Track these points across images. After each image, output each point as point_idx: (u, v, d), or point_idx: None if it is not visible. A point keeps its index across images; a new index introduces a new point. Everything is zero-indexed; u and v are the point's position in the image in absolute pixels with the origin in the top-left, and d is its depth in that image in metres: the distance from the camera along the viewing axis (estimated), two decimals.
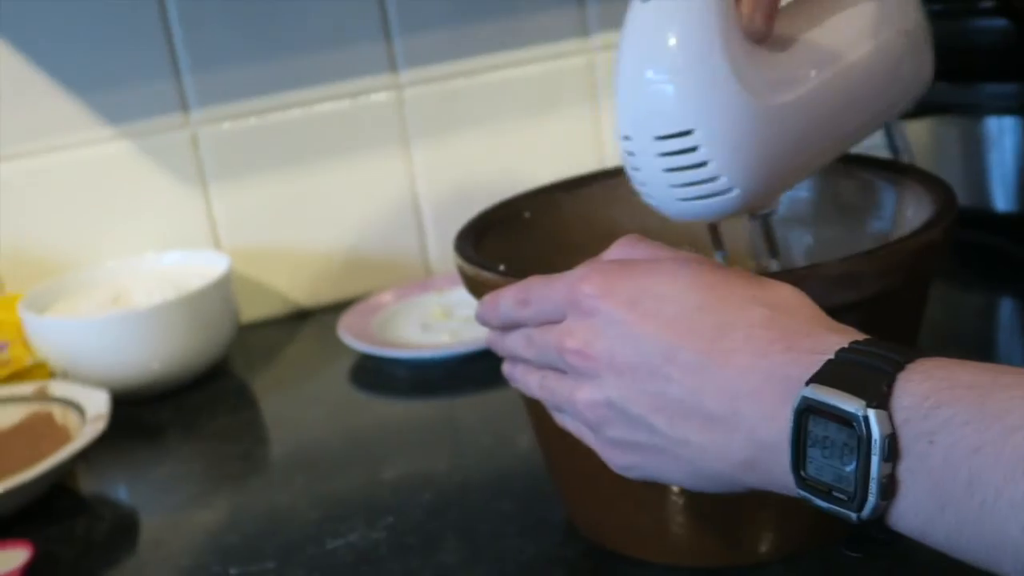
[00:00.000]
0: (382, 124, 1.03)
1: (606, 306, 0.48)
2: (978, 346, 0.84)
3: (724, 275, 0.48)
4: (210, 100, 0.99)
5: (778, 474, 0.44)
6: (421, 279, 1.05)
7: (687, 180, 0.55)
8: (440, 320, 0.95)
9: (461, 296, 0.97)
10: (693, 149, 0.54)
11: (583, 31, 1.06)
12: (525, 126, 1.06)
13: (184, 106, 0.99)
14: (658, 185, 0.56)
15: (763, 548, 0.59)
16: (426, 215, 1.06)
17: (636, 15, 0.55)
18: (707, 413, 0.45)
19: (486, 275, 0.58)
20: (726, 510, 0.58)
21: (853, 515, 0.41)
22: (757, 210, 0.59)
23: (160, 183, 1.00)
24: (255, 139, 1.01)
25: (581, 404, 0.49)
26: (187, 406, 0.88)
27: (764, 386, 0.43)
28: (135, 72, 0.97)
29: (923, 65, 0.62)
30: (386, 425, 0.82)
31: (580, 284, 0.49)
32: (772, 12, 0.54)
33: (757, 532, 0.59)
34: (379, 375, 0.89)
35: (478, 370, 0.87)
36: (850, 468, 0.40)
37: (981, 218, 0.94)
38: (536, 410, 0.62)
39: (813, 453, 0.42)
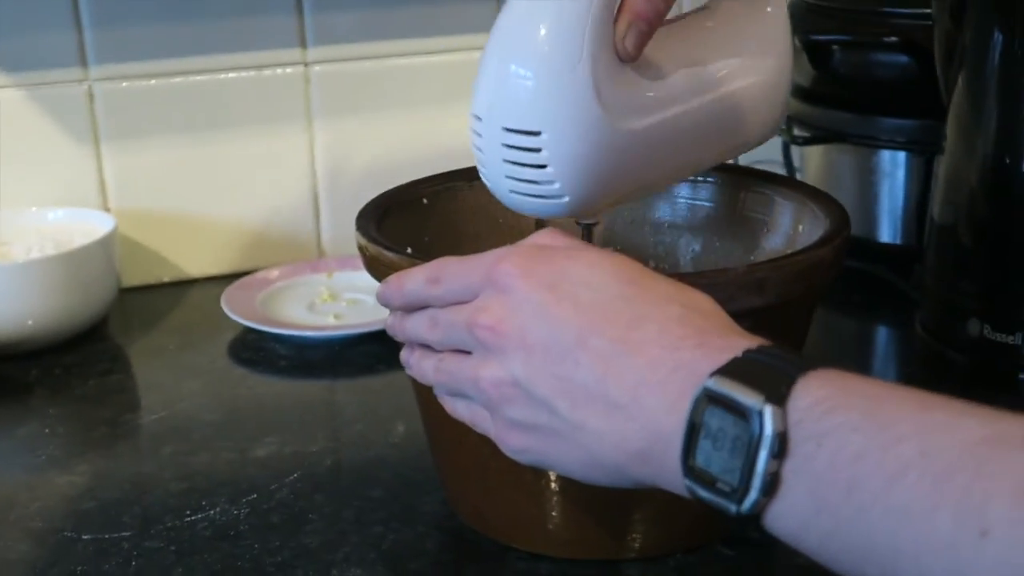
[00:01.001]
0: (287, 99, 1.02)
1: (524, 285, 0.48)
2: (854, 368, 0.85)
3: (643, 272, 0.48)
4: (111, 57, 0.96)
5: (669, 467, 0.44)
6: (313, 259, 1.04)
7: (523, 176, 0.55)
8: (326, 302, 0.94)
9: (350, 279, 0.96)
10: (537, 150, 0.54)
11: None
12: (432, 115, 1.06)
13: (83, 60, 0.96)
14: (495, 171, 0.56)
15: (647, 544, 0.60)
16: (323, 195, 1.05)
17: (517, 3, 0.54)
18: (610, 400, 0.45)
19: (389, 255, 0.58)
20: (612, 504, 0.58)
21: (733, 508, 0.42)
22: (581, 219, 0.60)
23: (51, 137, 0.97)
24: (154, 101, 0.98)
25: (485, 381, 0.49)
26: (58, 366, 0.86)
27: (670, 377, 0.44)
28: (34, 20, 0.94)
29: (776, 112, 0.63)
30: (262, 402, 0.81)
31: (499, 263, 0.49)
32: (645, 38, 0.54)
33: (642, 528, 0.59)
34: (259, 351, 0.88)
35: (360, 354, 0.86)
36: (738, 461, 0.41)
37: (865, 247, 0.97)
38: (426, 398, 0.62)
39: (704, 444, 0.43)
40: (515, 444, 0.49)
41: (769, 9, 0.61)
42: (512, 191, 0.56)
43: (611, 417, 0.45)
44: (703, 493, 0.43)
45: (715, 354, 0.44)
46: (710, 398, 0.42)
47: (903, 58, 0.92)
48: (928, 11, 0.80)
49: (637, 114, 0.55)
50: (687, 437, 0.43)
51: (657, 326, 0.46)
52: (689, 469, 0.43)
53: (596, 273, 0.48)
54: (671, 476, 0.44)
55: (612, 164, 0.55)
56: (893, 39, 0.91)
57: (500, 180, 0.56)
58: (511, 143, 0.54)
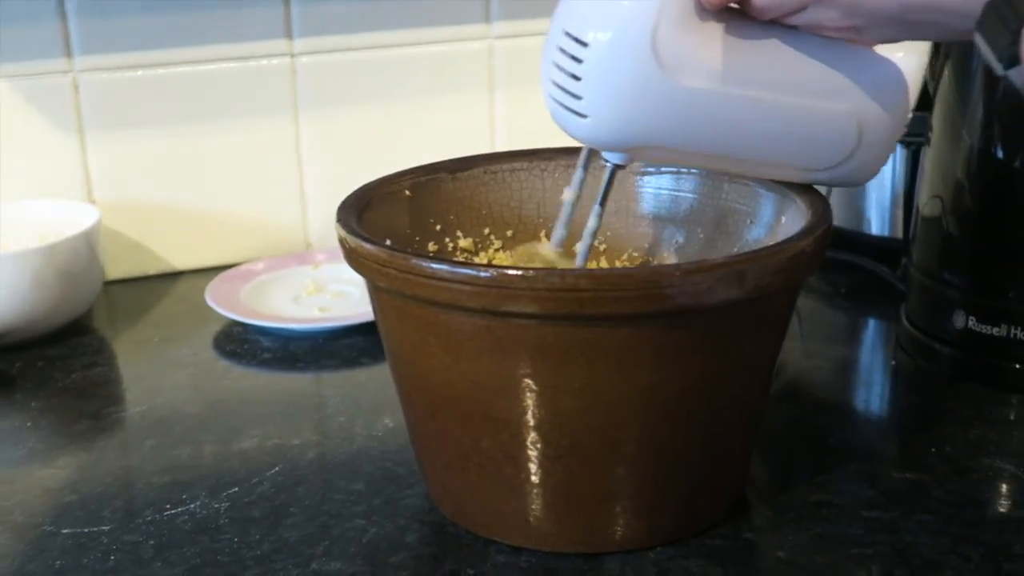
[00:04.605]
0: (273, 90, 1.01)
1: None
2: (841, 359, 0.85)
3: None
4: (96, 47, 0.96)
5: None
6: (299, 251, 1.03)
7: (559, 81, 0.57)
8: (311, 294, 0.93)
9: (335, 272, 0.96)
10: (578, 60, 0.56)
11: (486, 18, 1.05)
12: (418, 107, 1.05)
13: (68, 51, 0.95)
14: (545, 70, 0.58)
15: (628, 537, 0.59)
16: (309, 187, 1.04)
17: None
18: None
19: (368, 248, 0.58)
20: (593, 497, 0.58)
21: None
22: (603, 150, 0.61)
23: (35, 128, 0.96)
24: (139, 92, 0.98)
25: None
26: (41, 359, 0.86)
27: None
28: (19, 10, 0.93)
29: (865, 163, 0.61)
30: (245, 395, 0.81)
31: None
32: None
33: (623, 521, 0.59)
34: (244, 344, 0.88)
35: (344, 347, 0.86)
36: None
37: (852, 239, 0.96)
38: (408, 391, 0.62)
39: None
40: None
41: (900, 54, 0.60)
42: (549, 94, 0.58)
43: None
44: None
45: None
46: None
47: None
48: None
49: (692, 73, 0.56)
50: None
51: None
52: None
53: None
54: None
55: (644, 108, 0.56)
56: None
57: (545, 80, 0.58)
58: (562, 46, 0.56)
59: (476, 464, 0.59)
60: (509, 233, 0.73)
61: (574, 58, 0.56)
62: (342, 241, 0.61)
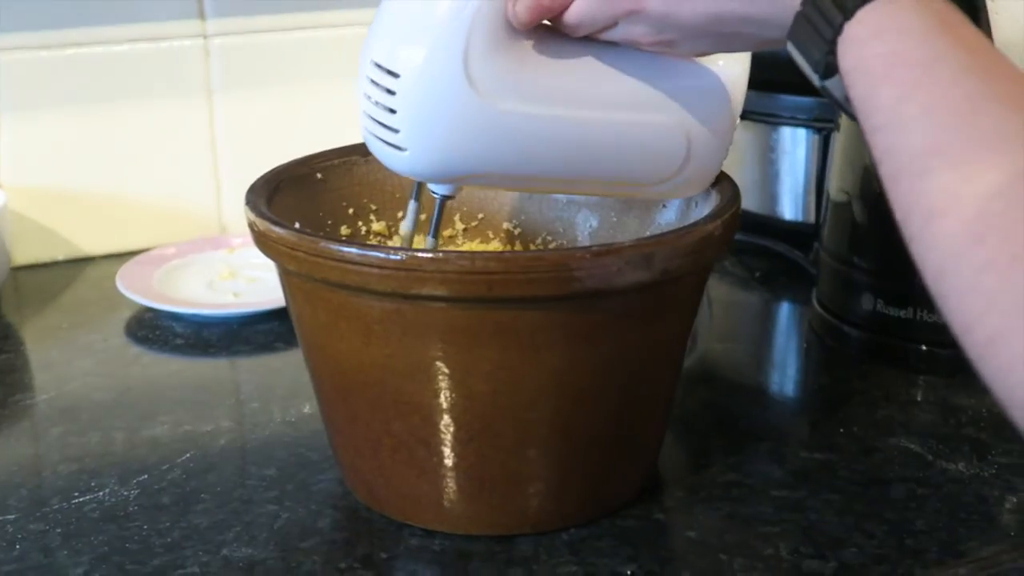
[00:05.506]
0: (185, 72, 1.00)
1: None
2: (754, 343, 0.86)
3: None
4: (0, 26, 0.94)
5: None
6: (214, 235, 1.02)
7: (375, 115, 0.55)
8: (225, 279, 0.92)
9: (249, 257, 0.95)
10: (391, 93, 0.54)
11: None
12: (334, 89, 1.04)
13: None
14: (360, 105, 0.56)
15: (540, 519, 0.60)
16: (224, 170, 1.03)
17: None
18: None
19: (277, 231, 0.57)
20: (505, 480, 0.59)
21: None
22: (428, 183, 0.59)
23: None
24: (47, 73, 0.96)
25: None
26: None
27: None
28: None
29: (697, 174, 0.60)
30: (157, 381, 0.80)
31: None
32: (539, 12, 0.53)
33: (535, 502, 0.59)
34: (156, 330, 0.86)
35: (258, 333, 0.85)
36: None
37: (767, 225, 0.98)
38: (321, 376, 0.61)
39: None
40: None
41: (721, 63, 0.58)
42: (366, 128, 0.56)
43: None
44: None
45: None
46: None
47: None
48: None
49: (508, 96, 0.54)
50: None
51: None
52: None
53: None
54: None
55: (463, 136, 0.54)
56: None
57: (362, 115, 0.56)
58: (374, 78, 0.54)
59: (388, 448, 0.59)
60: (423, 217, 0.72)
61: (388, 90, 0.54)
62: (251, 224, 0.60)
